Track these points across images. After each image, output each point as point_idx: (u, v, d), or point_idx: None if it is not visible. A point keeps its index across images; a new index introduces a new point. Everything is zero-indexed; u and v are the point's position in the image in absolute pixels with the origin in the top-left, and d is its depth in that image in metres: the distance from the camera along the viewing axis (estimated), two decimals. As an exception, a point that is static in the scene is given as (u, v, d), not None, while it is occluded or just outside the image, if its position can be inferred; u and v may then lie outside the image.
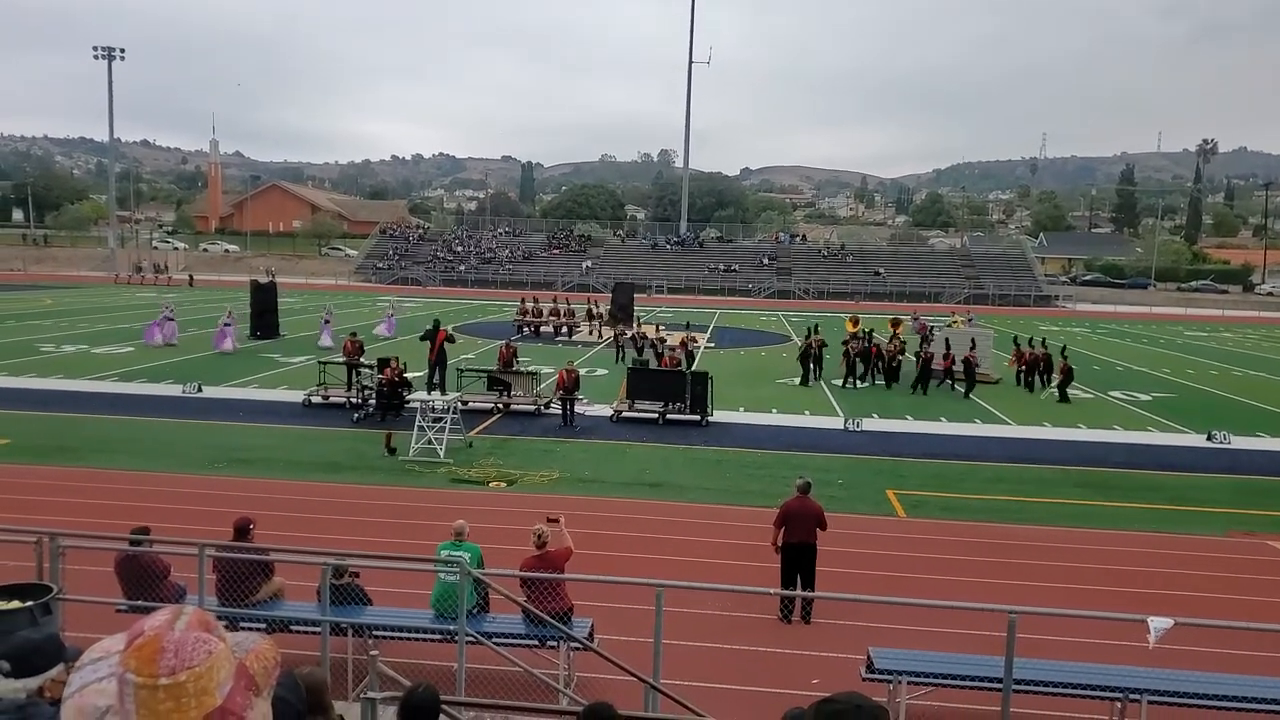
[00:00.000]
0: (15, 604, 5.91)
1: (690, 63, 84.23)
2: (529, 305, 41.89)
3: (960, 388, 27.37)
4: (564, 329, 40.60)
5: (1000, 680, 7.03)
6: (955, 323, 37.60)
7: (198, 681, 1.54)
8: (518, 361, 24.76)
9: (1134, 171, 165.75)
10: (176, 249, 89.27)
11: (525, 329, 40.81)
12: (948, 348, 28.90)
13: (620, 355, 31.84)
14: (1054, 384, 27.28)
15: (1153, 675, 7.99)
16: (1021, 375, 29.31)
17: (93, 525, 11.67)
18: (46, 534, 7.71)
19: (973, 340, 29.33)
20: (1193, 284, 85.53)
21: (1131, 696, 7.72)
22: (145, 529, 8.93)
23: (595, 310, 41.96)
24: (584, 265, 75.67)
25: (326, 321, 34.90)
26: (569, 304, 42.68)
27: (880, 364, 29.24)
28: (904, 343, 30.75)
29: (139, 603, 8.28)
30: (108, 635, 1.75)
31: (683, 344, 29.99)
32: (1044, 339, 31.16)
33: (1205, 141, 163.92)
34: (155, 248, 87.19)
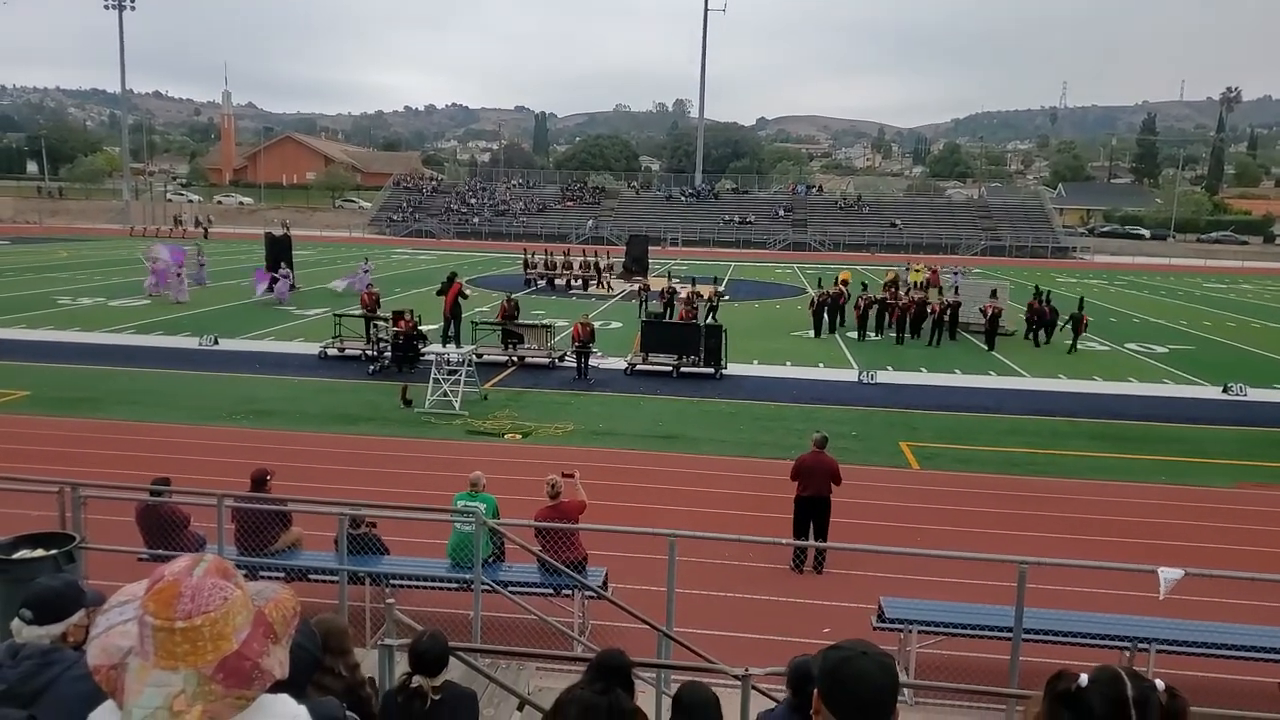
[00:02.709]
0: (40, 552, 6.04)
1: (706, 10, 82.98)
2: (536, 258, 41.65)
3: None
4: (579, 281, 40.43)
5: (1010, 630, 7.09)
6: (915, 273, 37.73)
7: (213, 626, 1.58)
8: (519, 314, 24.53)
9: (1155, 121, 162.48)
10: (191, 201, 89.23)
11: (538, 281, 40.69)
12: (993, 296, 28.62)
13: (643, 309, 31.70)
14: (1069, 337, 27.10)
15: (1162, 625, 8.04)
16: (1033, 330, 28.85)
17: (113, 476, 11.82)
18: (68, 484, 7.82)
19: (994, 290, 29.17)
20: (1213, 235, 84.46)
21: (1140, 646, 7.78)
22: (165, 480, 9.05)
23: (598, 262, 41.51)
24: (588, 224, 73.79)
25: None
26: (584, 256, 42.37)
27: (896, 317, 29.12)
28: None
29: (160, 551, 8.42)
30: (129, 583, 1.79)
31: (709, 296, 29.86)
32: (1047, 293, 30.58)
33: (1229, 90, 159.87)
34: (169, 200, 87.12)
